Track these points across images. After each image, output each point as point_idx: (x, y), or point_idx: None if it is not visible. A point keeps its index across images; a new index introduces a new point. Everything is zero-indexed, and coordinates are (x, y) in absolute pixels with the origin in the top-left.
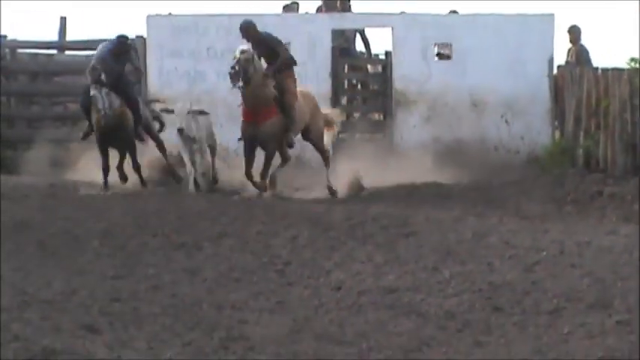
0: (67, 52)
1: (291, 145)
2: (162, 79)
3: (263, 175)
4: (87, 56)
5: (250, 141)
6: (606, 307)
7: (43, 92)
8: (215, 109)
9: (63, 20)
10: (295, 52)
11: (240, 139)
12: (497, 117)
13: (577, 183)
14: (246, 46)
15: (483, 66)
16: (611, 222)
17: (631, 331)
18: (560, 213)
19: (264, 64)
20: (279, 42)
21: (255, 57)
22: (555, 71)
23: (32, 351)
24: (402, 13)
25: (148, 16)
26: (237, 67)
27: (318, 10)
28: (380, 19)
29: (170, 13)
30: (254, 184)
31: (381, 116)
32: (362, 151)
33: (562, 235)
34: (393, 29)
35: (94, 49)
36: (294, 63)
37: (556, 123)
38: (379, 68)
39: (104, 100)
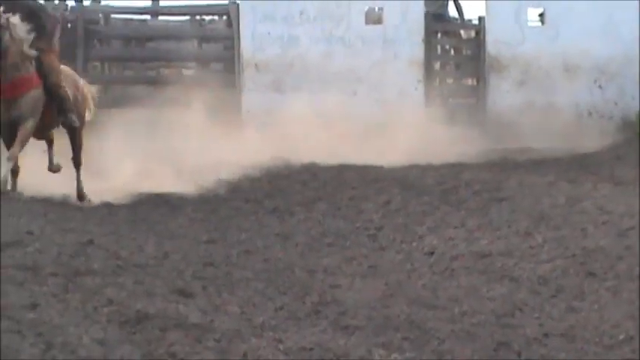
0: (161, 18)
1: (74, 124)
2: (256, 44)
3: (14, 154)
4: (181, 22)
5: (8, 122)
6: None
7: (136, 57)
8: (308, 74)
9: None
10: (388, 17)
11: None
12: (590, 82)
13: None
14: None
15: (576, 29)
16: None
17: None
18: None
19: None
20: (41, 5)
21: (12, 21)
22: None
23: (126, 315)
24: None
25: None
26: None
27: None
28: None
29: None
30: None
31: (475, 81)
32: (455, 116)
33: None
34: None
35: (188, 14)
36: (57, 23)
37: None
38: (472, 33)
39: None
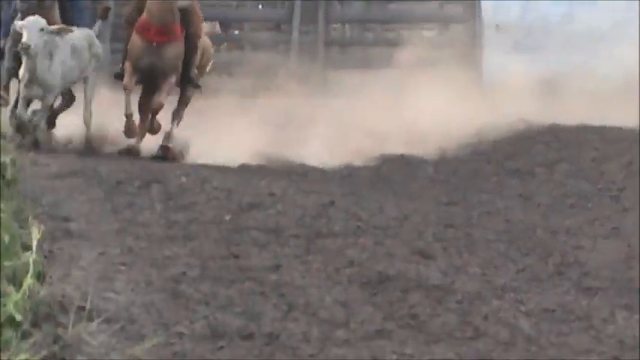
0: None
1: (195, 80)
2: (496, 5)
3: (153, 124)
4: None
5: (149, 69)
6: None
7: (377, 19)
8: (548, 35)
9: None
10: None
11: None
12: None
13: None
14: None
15: None
16: None
17: None
18: None
19: None
20: None
21: None
22: None
23: (367, 276)
24: None
25: None
26: None
27: None
28: None
29: None
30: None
31: None
32: None
33: None
34: None
35: None
36: None
37: None
38: None
39: None
